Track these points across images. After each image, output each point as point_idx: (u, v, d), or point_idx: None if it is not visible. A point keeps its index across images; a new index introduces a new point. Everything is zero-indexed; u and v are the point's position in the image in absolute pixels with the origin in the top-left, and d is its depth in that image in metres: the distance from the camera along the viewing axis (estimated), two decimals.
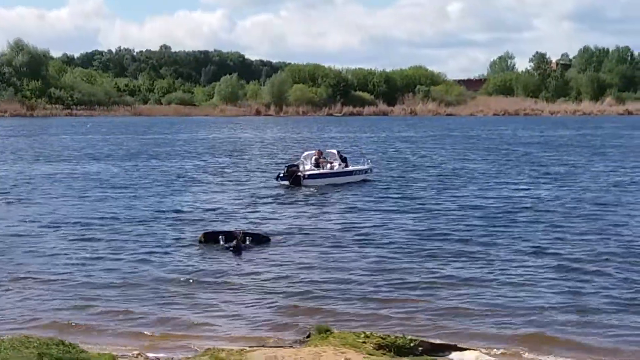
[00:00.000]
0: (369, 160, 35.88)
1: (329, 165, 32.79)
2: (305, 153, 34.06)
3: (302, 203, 27.29)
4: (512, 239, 19.46)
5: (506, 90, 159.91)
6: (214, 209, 25.21)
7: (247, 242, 19.00)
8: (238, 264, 17.38)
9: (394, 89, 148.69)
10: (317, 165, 32.58)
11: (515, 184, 31.89)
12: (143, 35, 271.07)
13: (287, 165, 32.97)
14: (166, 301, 14.32)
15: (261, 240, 19.56)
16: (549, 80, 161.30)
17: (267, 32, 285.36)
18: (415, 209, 24.61)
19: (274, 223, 22.54)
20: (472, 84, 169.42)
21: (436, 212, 23.96)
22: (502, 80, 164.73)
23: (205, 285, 15.43)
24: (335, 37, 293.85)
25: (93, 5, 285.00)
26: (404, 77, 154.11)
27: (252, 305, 14.09)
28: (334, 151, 34.67)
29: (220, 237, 19.15)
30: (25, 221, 22.61)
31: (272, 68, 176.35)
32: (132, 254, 18.09)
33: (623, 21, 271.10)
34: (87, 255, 17.99)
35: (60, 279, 15.80)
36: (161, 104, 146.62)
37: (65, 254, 18.14)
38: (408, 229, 21.02)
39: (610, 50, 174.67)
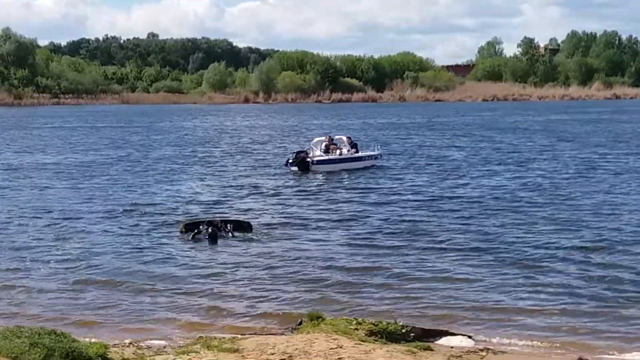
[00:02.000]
0: (379, 146, 35.93)
1: (338, 151, 32.82)
2: (316, 139, 34.35)
3: (303, 189, 27.22)
4: (505, 232, 19.48)
5: (495, 75, 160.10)
6: (207, 198, 25.18)
7: (229, 229, 18.97)
8: (221, 252, 17.33)
9: (382, 75, 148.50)
10: (327, 151, 32.65)
11: (509, 172, 31.91)
12: (130, 23, 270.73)
13: (296, 151, 33.09)
14: (153, 292, 14.25)
15: (243, 226, 19.50)
16: (537, 65, 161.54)
17: (255, 19, 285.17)
18: (414, 199, 24.28)
19: (269, 210, 22.48)
20: (461, 70, 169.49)
21: (434, 201, 23.63)
22: (490, 66, 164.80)
23: (191, 275, 15.35)
24: (323, 23, 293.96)
25: None
26: (392, 64, 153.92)
27: (241, 293, 14.08)
28: (343, 137, 34.93)
29: (201, 226, 19.09)
30: (10, 212, 22.45)
31: (260, 55, 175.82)
32: (117, 246, 17.99)
33: (610, 5, 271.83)
34: (77, 246, 17.93)
35: (50, 271, 15.74)
36: (149, 92, 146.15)
37: (54, 245, 18.06)
38: (403, 218, 20.80)
39: (598, 35, 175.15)
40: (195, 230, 18.93)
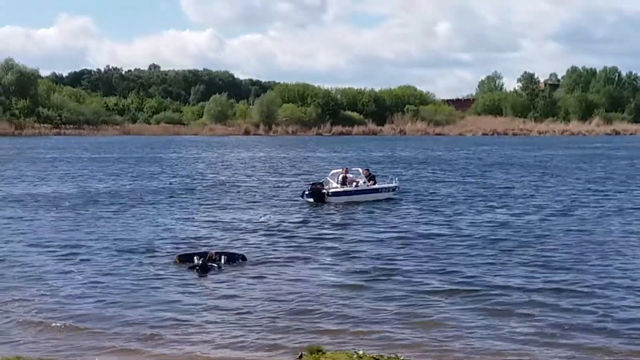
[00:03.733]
0: (396, 178, 35.87)
1: (354, 183, 32.93)
2: (332, 171, 34.34)
3: (311, 222, 26.77)
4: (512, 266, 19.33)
5: (495, 110, 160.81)
6: (210, 230, 24.98)
7: (222, 262, 18.85)
8: (213, 285, 17.00)
9: (383, 108, 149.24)
10: (343, 182, 32.75)
11: (510, 207, 31.74)
12: (132, 54, 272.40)
13: (312, 182, 33.21)
14: (145, 325, 14.01)
15: (237, 259, 19.36)
16: (537, 100, 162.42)
17: (256, 51, 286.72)
18: (416, 236, 23.54)
19: (272, 242, 22.14)
20: (461, 104, 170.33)
21: (436, 239, 22.96)
22: (490, 100, 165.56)
23: (186, 308, 15.09)
24: (324, 56, 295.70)
25: (81, 24, 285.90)
26: (392, 97, 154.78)
27: (239, 326, 13.85)
28: (360, 169, 35.00)
29: (195, 257, 18.97)
30: (8, 243, 22.26)
31: (261, 87, 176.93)
32: (111, 277, 17.72)
33: (609, 41, 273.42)
34: (75, 276, 17.75)
35: (45, 307, 15.51)
36: (150, 123, 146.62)
37: (47, 280, 17.88)
38: (404, 256, 20.28)
39: (598, 70, 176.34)
40: (189, 262, 18.81)
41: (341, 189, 32.36)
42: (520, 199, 33.33)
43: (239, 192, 37.20)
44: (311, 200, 31.61)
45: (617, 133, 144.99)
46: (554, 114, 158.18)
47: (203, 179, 44.62)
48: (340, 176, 33.02)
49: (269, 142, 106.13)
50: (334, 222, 26.95)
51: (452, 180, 43.83)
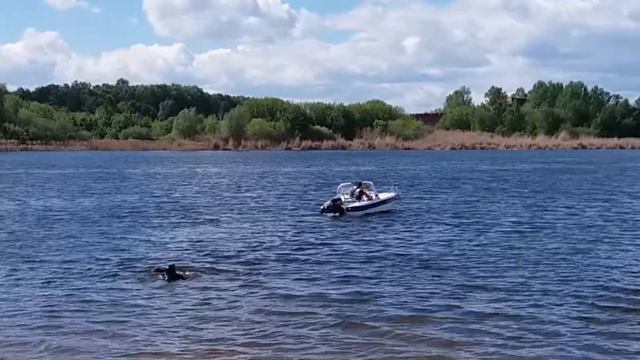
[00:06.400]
0: (396, 187, 37.08)
1: (365, 197, 33.70)
2: (341, 185, 35.50)
3: (309, 238, 26.02)
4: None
5: (463, 124, 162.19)
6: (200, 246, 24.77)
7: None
8: (180, 291, 17.02)
9: (352, 123, 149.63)
10: (359, 197, 33.55)
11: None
12: (99, 69, 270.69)
13: (332, 199, 33.60)
14: (118, 338, 13.89)
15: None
16: (505, 114, 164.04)
17: (225, 66, 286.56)
18: (403, 254, 23.02)
19: (262, 258, 22.10)
20: (429, 118, 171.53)
21: (412, 257, 22.84)
22: (458, 115, 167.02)
23: (142, 315, 15.00)
24: (293, 71, 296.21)
25: (48, 39, 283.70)
26: (361, 112, 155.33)
27: (181, 337, 13.71)
28: (370, 182, 35.90)
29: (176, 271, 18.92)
30: None
31: (230, 102, 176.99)
32: (93, 287, 17.59)
33: (575, 56, 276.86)
34: (34, 292, 17.50)
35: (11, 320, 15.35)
36: (118, 138, 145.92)
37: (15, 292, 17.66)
38: (384, 278, 19.74)
39: (564, 85, 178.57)
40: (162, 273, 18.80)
41: (360, 204, 33.19)
42: (490, 216, 33.51)
43: (242, 206, 36.60)
44: (331, 214, 32.22)
45: (583, 147, 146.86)
46: (521, 128, 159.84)
47: (183, 196, 44.01)
48: (358, 190, 33.86)
49: (240, 157, 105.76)
50: (331, 237, 26.23)
51: (427, 196, 43.86)
